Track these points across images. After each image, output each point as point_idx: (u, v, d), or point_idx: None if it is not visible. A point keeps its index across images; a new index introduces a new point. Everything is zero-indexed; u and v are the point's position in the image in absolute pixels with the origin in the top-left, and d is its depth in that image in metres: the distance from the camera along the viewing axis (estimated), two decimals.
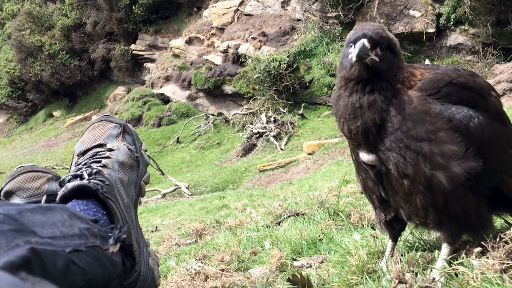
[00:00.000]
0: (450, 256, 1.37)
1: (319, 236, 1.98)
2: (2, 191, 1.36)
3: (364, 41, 1.34)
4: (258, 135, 14.11)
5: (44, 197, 1.34)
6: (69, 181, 1.25)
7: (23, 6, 27.29)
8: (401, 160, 1.33)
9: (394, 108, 1.34)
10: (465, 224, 1.38)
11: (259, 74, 15.01)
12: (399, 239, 1.61)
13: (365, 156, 1.41)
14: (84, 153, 1.39)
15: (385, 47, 1.37)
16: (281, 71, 14.68)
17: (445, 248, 1.38)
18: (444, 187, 1.31)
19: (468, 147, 1.31)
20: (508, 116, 1.46)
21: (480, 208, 1.37)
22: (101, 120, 1.53)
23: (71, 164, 1.40)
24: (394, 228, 1.55)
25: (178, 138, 16.97)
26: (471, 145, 1.31)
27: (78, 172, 1.26)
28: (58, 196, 1.22)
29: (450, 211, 1.35)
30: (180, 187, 10.08)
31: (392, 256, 1.57)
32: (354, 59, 1.32)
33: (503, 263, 1.27)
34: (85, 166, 1.30)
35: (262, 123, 14.33)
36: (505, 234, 1.38)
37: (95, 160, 1.33)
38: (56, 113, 25.81)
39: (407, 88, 1.36)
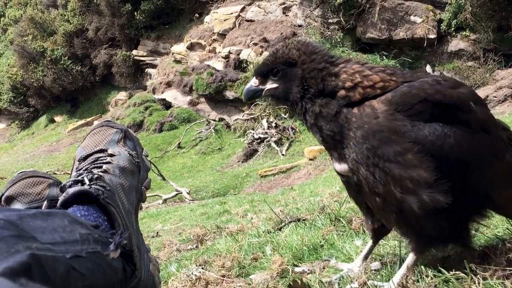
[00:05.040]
0: (413, 264, 1.34)
1: (320, 242, 1.98)
2: (3, 197, 1.36)
3: (251, 83, 1.40)
4: (259, 140, 14.10)
5: (45, 202, 1.34)
6: (70, 186, 1.25)
7: (26, 12, 27.41)
8: (370, 177, 1.27)
9: (355, 119, 1.26)
10: (437, 240, 1.32)
11: None
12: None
13: (337, 166, 1.39)
14: (85, 158, 1.39)
15: (280, 69, 1.36)
16: None
17: (411, 257, 1.34)
18: (415, 212, 1.23)
19: (440, 174, 1.20)
20: (496, 122, 1.36)
21: (457, 225, 1.29)
22: (102, 126, 1.53)
23: (72, 170, 1.40)
24: (379, 232, 1.52)
25: (179, 143, 16.96)
26: (446, 168, 1.20)
27: (79, 178, 1.26)
28: (59, 202, 1.22)
29: (424, 231, 1.29)
30: (181, 193, 10.07)
31: (366, 258, 1.55)
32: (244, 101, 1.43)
33: (506, 270, 1.26)
34: (86, 171, 1.30)
35: (263, 129, 14.32)
36: (507, 241, 1.38)
37: (96, 165, 1.33)
38: (58, 119, 25.85)
39: (361, 96, 1.27)
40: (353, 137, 1.27)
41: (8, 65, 27.00)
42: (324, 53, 1.36)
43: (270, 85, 1.38)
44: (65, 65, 24.31)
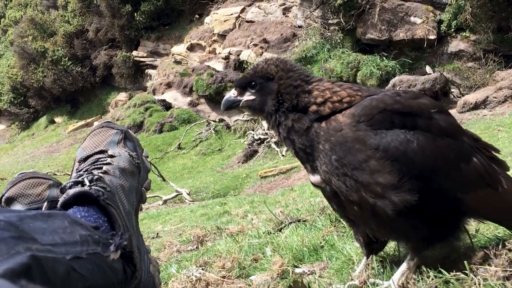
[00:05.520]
0: (412, 263, 1.37)
1: (321, 243, 1.98)
2: (3, 198, 1.36)
3: (230, 93, 1.49)
4: (259, 141, 14.10)
5: (46, 203, 1.34)
6: (70, 187, 1.25)
7: (26, 13, 27.42)
8: (343, 186, 1.33)
9: (323, 133, 1.33)
10: (421, 239, 1.35)
11: None
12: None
13: (311, 177, 1.44)
14: (85, 159, 1.38)
15: (258, 82, 1.44)
16: None
17: (409, 256, 1.39)
18: (388, 214, 1.27)
19: (403, 176, 1.25)
20: (462, 129, 1.41)
21: (436, 225, 1.33)
22: (103, 127, 1.53)
23: (72, 170, 1.40)
24: (372, 247, 1.55)
25: (179, 144, 16.96)
26: (412, 171, 1.26)
27: (79, 179, 1.26)
28: (59, 203, 1.22)
29: (403, 232, 1.35)
30: (182, 194, 10.07)
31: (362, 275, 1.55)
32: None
33: (506, 271, 1.26)
34: (86, 172, 1.30)
35: (264, 130, 14.32)
36: (508, 242, 1.38)
37: (96, 166, 1.33)
38: (58, 119, 25.85)
39: (330, 110, 1.35)
40: (322, 150, 1.34)
41: (8, 66, 27.01)
42: (300, 72, 1.45)
43: (247, 96, 1.46)
44: (65, 66, 24.31)
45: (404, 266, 1.37)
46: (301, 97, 1.38)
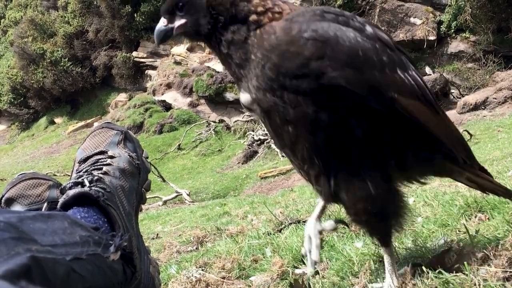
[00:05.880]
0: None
1: (321, 243, 1.97)
2: (3, 198, 1.36)
3: (160, 23, 1.30)
4: (259, 142, 14.11)
5: (45, 204, 1.34)
6: (70, 188, 1.25)
7: (26, 13, 27.44)
8: (279, 103, 1.18)
9: (256, 40, 1.20)
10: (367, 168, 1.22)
11: None
12: None
13: (242, 97, 1.31)
14: (85, 160, 1.39)
15: (184, 1, 1.27)
16: None
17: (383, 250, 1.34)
18: (331, 128, 1.16)
19: (342, 61, 1.13)
20: (397, 45, 1.30)
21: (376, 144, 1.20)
22: (102, 127, 1.53)
23: (72, 171, 1.40)
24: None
25: (179, 145, 16.97)
26: (347, 59, 1.14)
27: (79, 180, 1.26)
28: (59, 203, 1.22)
29: (349, 157, 1.21)
30: (181, 194, 10.07)
31: (319, 220, 1.46)
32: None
33: (506, 271, 1.26)
34: (86, 173, 1.30)
35: (264, 130, 14.33)
36: (508, 243, 1.38)
37: (96, 167, 1.33)
38: (58, 120, 25.86)
39: (270, 20, 1.22)
40: (254, 60, 1.20)
41: (8, 66, 27.02)
42: None
43: (178, 21, 1.29)
44: (65, 67, 24.32)
45: (387, 260, 1.33)
46: (239, 6, 1.23)
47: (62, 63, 24.35)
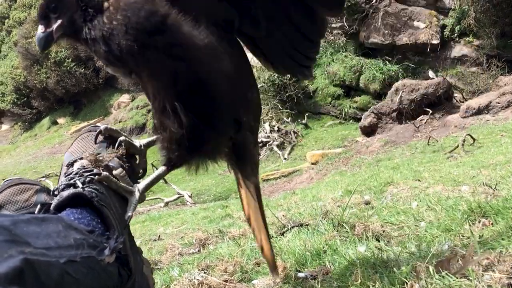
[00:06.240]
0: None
1: (323, 247, 1.97)
2: None
3: (38, 31, 1.29)
4: (261, 144, 14.09)
5: (38, 206, 1.33)
6: (62, 190, 1.25)
7: (30, 14, 27.51)
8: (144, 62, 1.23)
9: (113, 8, 1.22)
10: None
11: (263, 84, 15.04)
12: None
13: (111, 68, 1.35)
14: (72, 164, 1.38)
15: (56, 2, 1.26)
16: (285, 80, 14.69)
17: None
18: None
19: None
20: None
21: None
22: (90, 131, 1.54)
23: (60, 175, 1.40)
24: None
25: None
26: None
27: (71, 181, 1.26)
28: (53, 205, 1.22)
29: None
30: (183, 196, 10.06)
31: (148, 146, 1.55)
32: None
33: (510, 277, 1.25)
34: (77, 175, 1.29)
35: (266, 132, 14.33)
36: (510, 247, 1.37)
37: (86, 170, 1.32)
38: (61, 120, 25.89)
39: None
40: (116, 27, 1.21)
41: (12, 66, 27.08)
42: None
43: (55, 24, 1.27)
44: (68, 67, 24.37)
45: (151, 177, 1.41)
46: None
47: (65, 64, 24.40)
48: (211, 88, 1.28)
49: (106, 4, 1.24)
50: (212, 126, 1.33)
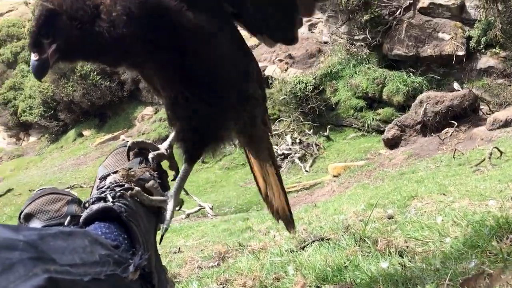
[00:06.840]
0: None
1: (345, 263, 1.93)
2: (22, 214, 1.37)
3: (32, 60, 1.27)
4: (283, 156, 14.06)
5: (68, 218, 1.35)
6: (93, 203, 1.26)
7: None
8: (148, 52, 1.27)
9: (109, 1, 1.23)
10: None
11: (285, 96, 15.05)
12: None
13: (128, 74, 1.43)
14: (105, 177, 1.39)
15: (47, 27, 1.24)
16: (307, 93, 14.67)
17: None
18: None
19: None
20: None
21: None
22: (124, 146, 1.55)
23: (93, 188, 1.41)
24: None
25: (203, 158, 17.04)
26: None
27: (102, 195, 1.27)
28: (82, 218, 1.22)
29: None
30: (204, 208, 10.08)
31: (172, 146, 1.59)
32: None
33: None
34: (108, 189, 1.30)
35: (287, 145, 14.29)
36: None
37: (118, 184, 1.33)
38: (86, 133, 26.40)
39: None
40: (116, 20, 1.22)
41: (40, 81, 27.81)
42: None
43: (50, 48, 1.25)
44: (94, 81, 24.89)
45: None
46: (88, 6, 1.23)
47: (91, 77, 24.93)
48: (217, 70, 1.33)
49: (101, 6, 1.24)
50: (221, 107, 1.38)
